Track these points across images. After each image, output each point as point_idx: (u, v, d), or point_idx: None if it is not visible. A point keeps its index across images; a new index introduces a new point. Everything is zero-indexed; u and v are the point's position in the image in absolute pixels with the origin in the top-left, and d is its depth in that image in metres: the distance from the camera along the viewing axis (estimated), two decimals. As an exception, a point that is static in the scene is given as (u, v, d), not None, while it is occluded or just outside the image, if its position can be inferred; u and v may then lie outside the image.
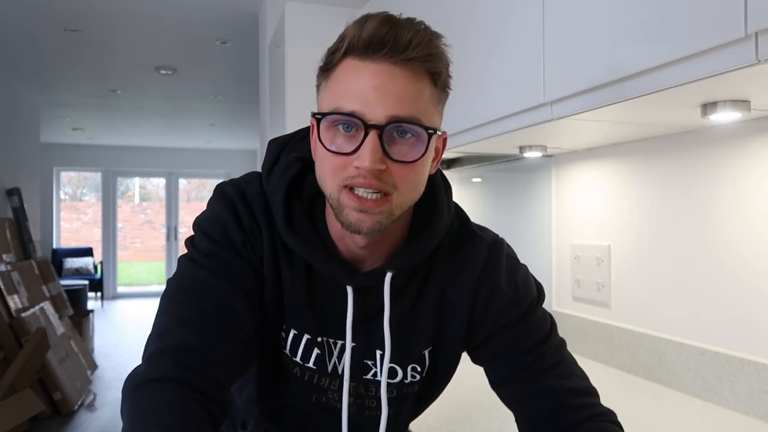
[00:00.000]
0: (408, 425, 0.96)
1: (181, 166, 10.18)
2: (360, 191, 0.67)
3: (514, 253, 0.88)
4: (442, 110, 0.74)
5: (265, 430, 0.94)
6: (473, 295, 0.81)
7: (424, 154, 0.68)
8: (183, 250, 0.81)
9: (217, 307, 0.71)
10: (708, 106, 0.99)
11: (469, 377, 1.37)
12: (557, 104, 1.09)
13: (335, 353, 0.81)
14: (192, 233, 0.79)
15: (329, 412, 0.84)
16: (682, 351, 1.28)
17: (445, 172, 2.37)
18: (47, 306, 4.60)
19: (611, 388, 1.33)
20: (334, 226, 0.76)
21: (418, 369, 0.83)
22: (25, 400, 3.54)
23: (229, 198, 0.78)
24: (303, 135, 0.82)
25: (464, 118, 1.45)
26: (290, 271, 0.77)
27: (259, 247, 0.77)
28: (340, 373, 0.81)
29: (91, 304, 7.97)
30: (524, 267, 0.88)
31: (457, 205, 0.86)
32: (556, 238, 1.74)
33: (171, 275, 0.78)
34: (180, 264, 0.77)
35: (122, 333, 6.91)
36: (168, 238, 10.22)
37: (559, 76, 1.07)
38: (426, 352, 0.82)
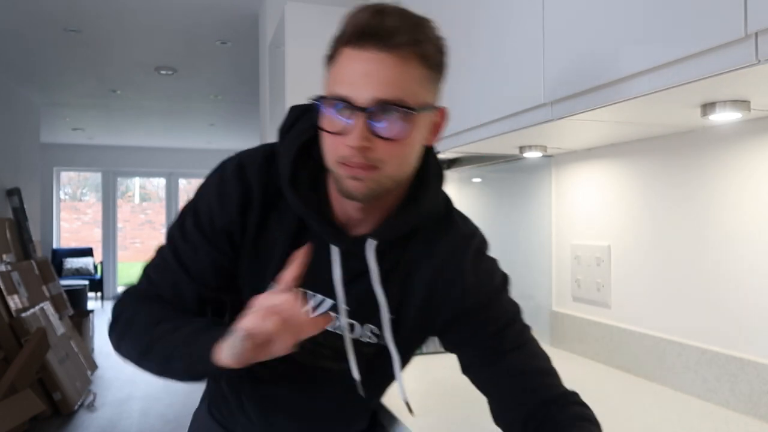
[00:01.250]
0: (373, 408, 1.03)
1: (181, 166, 10.18)
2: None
3: (485, 246, 0.94)
4: (436, 88, 0.79)
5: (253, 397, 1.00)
6: (435, 278, 0.88)
7: (409, 132, 0.74)
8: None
9: (173, 295, 0.85)
10: (708, 107, 0.99)
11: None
12: (557, 104, 1.09)
13: (310, 305, 0.88)
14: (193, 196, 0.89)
15: (295, 364, 0.89)
16: (682, 351, 1.28)
17: (445, 172, 2.35)
18: (47, 306, 4.60)
19: (611, 388, 1.33)
20: (334, 191, 0.83)
21: (376, 332, 0.89)
22: (25, 400, 3.54)
23: (222, 174, 0.86)
24: None
25: (464, 118, 1.45)
26: (281, 231, 0.85)
27: (249, 211, 0.84)
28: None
29: (91, 305, 7.97)
30: (492, 259, 0.94)
31: (446, 194, 0.92)
32: (556, 238, 1.74)
33: None
34: (167, 237, 0.88)
35: (122, 333, 6.90)
36: (168, 238, 10.20)
37: (559, 76, 1.07)
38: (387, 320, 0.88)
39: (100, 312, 8.35)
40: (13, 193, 5.61)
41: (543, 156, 1.74)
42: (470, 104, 1.42)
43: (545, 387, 0.86)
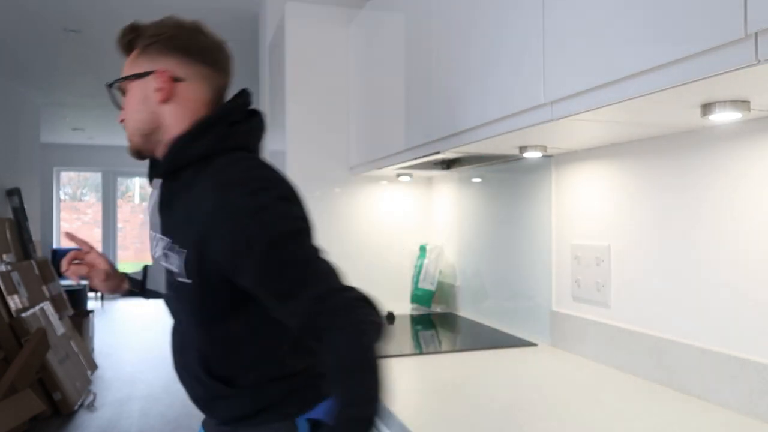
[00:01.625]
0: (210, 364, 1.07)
1: (181, 166, 10.13)
2: None
3: (248, 187, 0.95)
4: (151, 58, 1.06)
5: None
6: (197, 214, 0.96)
7: (125, 97, 1.08)
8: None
9: None
10: (708, 107, 0.99)
11: (468, 377, 1.37)
12: (557, 104, 1.09)
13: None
14: None
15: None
16: (682, 351, 1.28)
17: (445, 172, 2.37)
18: (47, 306, 4.60)
19: (611, 388, 1.33)
20: None
21: (168, 254, 1.04)
22: (25, 400, 3.54)
23: None
24: None
25: (464, 118, 1.45)
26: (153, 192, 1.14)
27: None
28: (156, 256, 1.11)
29: (91, 305, 7.97)
30: (255, 202, 0.94)
31: (220, 145, 1.02)
32: (556, 238, 1.74)
33: None
34: None
35: (122, 333, 6.91)
36: (168, 238, 10.17)
37: (559, 76, 1.07)
38: (175, 245, 1.02)
39: (100, 312, 8.35)
40: (13, 193, 5.61)
41: (543, 156, 1.74)
42: (470, 104, 1.42)
43: (321, 313, 0.89)
